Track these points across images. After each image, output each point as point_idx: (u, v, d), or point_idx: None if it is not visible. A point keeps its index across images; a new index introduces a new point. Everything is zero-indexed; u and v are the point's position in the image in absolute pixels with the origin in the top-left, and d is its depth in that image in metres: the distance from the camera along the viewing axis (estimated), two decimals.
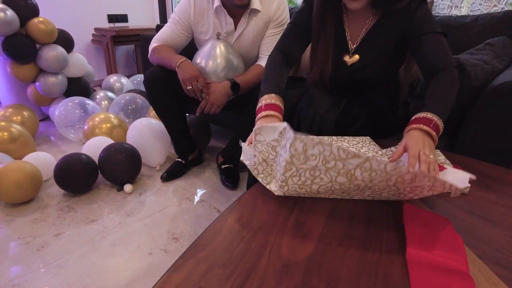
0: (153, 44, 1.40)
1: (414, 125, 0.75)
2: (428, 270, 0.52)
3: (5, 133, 1.59)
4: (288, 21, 1.37)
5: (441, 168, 0.78)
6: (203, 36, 1.40)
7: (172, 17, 1.40)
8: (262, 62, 1.36)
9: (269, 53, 1.11)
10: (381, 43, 0.97)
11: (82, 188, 1.41)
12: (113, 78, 2.56)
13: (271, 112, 0.84)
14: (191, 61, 1.33)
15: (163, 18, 3.38)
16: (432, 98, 0.80)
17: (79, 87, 2.13)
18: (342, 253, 0.55)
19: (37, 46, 1.93)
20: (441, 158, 0.87)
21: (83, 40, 3.04)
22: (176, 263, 0.52)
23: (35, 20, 1.87)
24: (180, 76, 1.23)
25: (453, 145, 1.05)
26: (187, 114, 1.59)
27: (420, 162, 0.66)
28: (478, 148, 0.99)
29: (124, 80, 2.57)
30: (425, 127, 0.73)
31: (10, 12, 1.75)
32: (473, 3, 7.80)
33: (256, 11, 1.33)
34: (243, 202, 0.71)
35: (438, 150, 0.90)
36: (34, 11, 1.91)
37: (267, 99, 0.86)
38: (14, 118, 1.85)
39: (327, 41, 0.99)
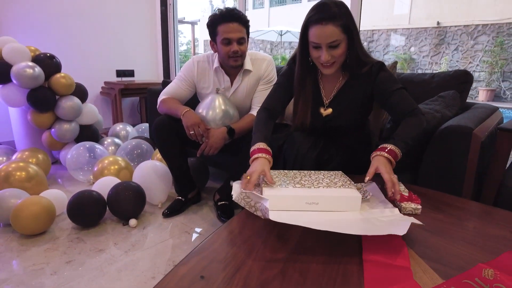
0: (161, 96, 1.65)
1: (382, 152, 0.98)
2: (377, 265, 0.68)
3: (23, 173, 1.76)
4: (275, 79, 1.64)
5: (403, 198, 0.96)
6: (204, 91, 1.66)
7: (178, 75, 1.67)
8: (254, 111, 1.60)
9: (259, 105, 1.37)
10: (350, 98, 1.21)
11: (92, 222, 1.55)
12: (119, 126, 2.80)
13: (261, 155, 1.03)
14: (195, 110, 1.57)
15: (167, 74, 3.73)
16: (398, 134, 1.02)
17: (89, 133, 2.35)
18: (313, 253, 0.71)
19: (57, 97, 2.18)
20: (402, 187, 1.05)
21: (93, 92, 3.33)
22: (182, 259, 0.68)
23: (58, 75, 2.15)
24: (185, 122, 1.45)
25: (415, 178, 1.24)
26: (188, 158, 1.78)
27: (394, 183, 0.91)
28: (434, 180, 1.18)
29: (129, 128, 2.81)
30: (388, 156, 0.97)
31: (37, 69, 2.03)
32: (451, 60, 8.51)
33: (248, 71, 1.60)
34: (235, 220, 0.88)
35: (400, 182, 1.08)
36: (58, 68, 2.19)
37: (258, 145, 1.07)
38: (30, 160, 2.03)
39: (306, 98, 1.23)
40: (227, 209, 1.66)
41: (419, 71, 9.45)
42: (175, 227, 1.58)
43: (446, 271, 0.68)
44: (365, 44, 10.31)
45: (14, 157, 2.05)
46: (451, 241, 0.79)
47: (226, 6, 1.55)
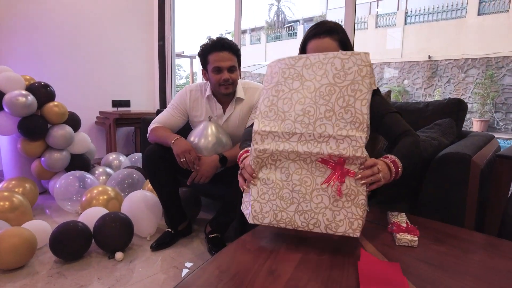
0: (152, 125, 1.62)
1: (383, 159, 0.90)
2: None
3: (7, 203, 1.69)
4: None
5: (399, 229, 0.91)
6: (197, 119, 1.64)
7: (171, 103, 1.66)
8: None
9: None
10: None
11: (75, 255, 1.46)
12: (112, 156, 2.75)
13: (246, 154, 0.98)
14: (187, 138, 1.54)
15: (163, 104, 3.75)
16: (396, 150, 0.96)
17: (80, 162, 2.30)
18: None
19: (49, 125, 2.15)
20: (403, 219, 1.00)
21: (88, 121, 3.32)
22: None
23: (51, 104, 2.13)
24: (175, 150, 1.42)
25: (414, 208, 1.19)
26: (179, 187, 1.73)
27: (368, 171, 0.80)
28: (434, 210, 1.13)
29: (122, 158, 2.76)
30: (389, 163, 0.88)
31: (30, 97, 2.02)
32: (444, 92, 8.71)
33: (240, 99, 1.60)
34: (224, 254, 0.81)
35: (403, 213, 1.03)
36: (51, 96, 2.18)
37: (246, 149, 1.01)
38: (16, 189, 1.96)
39: None
40: (218, 242, 1.58)
41: None
42: (164, 261, 1.49)
43: None
44: None
45: (0, 186, 1.98)
46: (456, 275, 0.73)
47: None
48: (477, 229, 1.13)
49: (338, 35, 1.06)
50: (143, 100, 3.76)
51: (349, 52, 0.83)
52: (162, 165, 1.53)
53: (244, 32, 16.80)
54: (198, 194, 1.97)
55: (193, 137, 1.53)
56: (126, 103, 3.60)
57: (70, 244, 1.43)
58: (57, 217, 2.01)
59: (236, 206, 1.28)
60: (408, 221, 0.98)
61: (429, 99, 9.31)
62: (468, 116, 8.59)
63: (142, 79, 3.74)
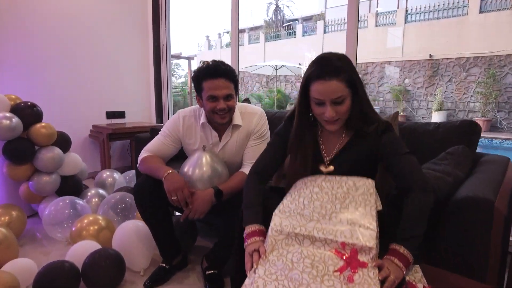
0: (143, 154, 1.51)
1: (394, 259, 0.87)
2: None
3: None
4: (267, 134, 1.53)
5: (412, 286, 0.81)
6: (191, 147, 1.53)
7: (162, 130, 1.55)
8: (245, 169, 1.46)
9: (251, 161, 1.31)
10: (354, 157, 1.09)
11: None
12: (105, 174, 2.64)
13: (255, 239, 0.99)
14: (180, 169, 1.43)
15: (159, 114, 3.64)
16: (406, 226, 0.94)
17: (71, 184, 2.19)
18: None
19: (36, 147, 2.04)
20: (418, 275, 0.90)
21: (81, 135, 3.21)
22: None
23: (38, 125, 2.02)
24: (166, 186, 1.31)
25: (427, 253, 1.08)
26: (173, 216, 1.62)
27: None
28: (452, 259, 1.02)
29: (116, 175, 2.65)
30: (400, 265, 0.86)
31: (15, 120, 1.90)
32: (445, 91, 8.56)
33: (238, 126, 1.48)
34: None
35: (417, 266, 0.93)
36: (38, 117, 2.07)
37: (251, 228, 1.02)
38: (2, 218, 1.85)
39: (306, 155, 1.11)
40: (216, 279, 1.48)
41: (415, 102, 9.53)
42: None
43: None
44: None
45: None
46: None
47: (213, 59, 1.44)
48: (500, 283, 1.03)
49: (345, 74, 0.96)
50: (138, 111, 3.65)
51: (358, 178, 1.02)
52: (153, 201, 1.42)
53: (242, 31, 16.64)
54: (194, 221, 1.86)
55: (187, 168, 1.42)
56: (121, 114, 3.50)
57: (56, 286, 1.32)
58: (48, 245, 1.91)
59: (235, 238, 1.21)
60: (424, 278, 0.88)
61: (430, 99, 9.20)
62: (470, 115, 8.48)
63: (137, 88, 3.62)
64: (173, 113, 3.71)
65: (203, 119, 1.47)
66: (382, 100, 10.22)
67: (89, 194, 2.24)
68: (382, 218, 1.17)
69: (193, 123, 1.52)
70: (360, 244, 0.82)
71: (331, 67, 0.96)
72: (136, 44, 3.55)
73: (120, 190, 2.28)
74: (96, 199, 2.23)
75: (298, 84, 12.46)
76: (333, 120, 1.00)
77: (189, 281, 1.56)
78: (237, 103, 1.50)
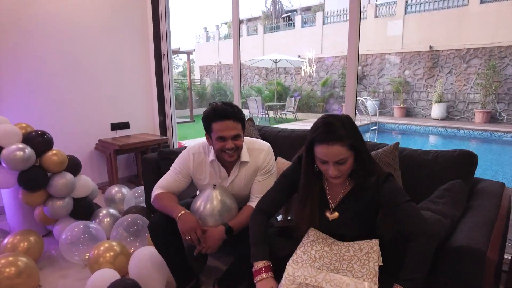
0: (156, 190, 1.59)
1: None
2: None
3: (12, 268, 1.68)
4: (274, 169, 1.60)
5: None
6: (201, 182, 1.61)
7: (173, 167, 1.62)
8: (252, 203, 1.54)
9: (258, 195, 1.43)
10: (357, 205, 1.17)
11: None
12: (114, 189, 2.73)
13: (264, 275, 1.09)
14: (192, 204, 1.51)
15: (163, 125, 3.70)
16: (409, 269, 1.01)
17: (83, 206, 2.28)
18: None
19: (49, 174, 2.12)
20: None
21: (87, 147, 3.29)
22: None
23: (50, 153, 2.09)
24: (180, 227, 1.39)
25: None
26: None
27: None
28: None
29: (124, 190, 2.74)
30: None
31: (28, 150, 1.97)
32: (445, 82, 8.54)
33: (245, 162, 1.56)
34: None
35: None
36: (49, 144, 2.14)
37: (260, 264, 1.12)
38: (21, 244, 1.94)
39: (313, 204, 1.19)
40: None
41: (415, 94, 9.54)
42: None
43: None
44: (359, 68, 10.44)
45: (5, 240, 1.96)
46: None
47: (222, 101, 1.51)
48: None
49: (348, 140, 1.03)
50: (142, 121, 3.71)
51: (363, 241, 1.13)
52: (166, 237, 1.52)
53: (240, 22, 16.46)
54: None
55: (198, 204, 1.50)
56: (125, 125, 3.56)
57: None
58: (66, 268, 2.01)
59: (247, 263, 1.29)
60: None
61: (430, 91, 9.22)
62: (470, 107, 8.51)
63: (140, 99, 3.68)
64: (176, 121, 3.77)
65: (212, 156, 1.55)
66: (382, 92, 10.23)
67: (101, 214, 2.34)
68: (387, 258, 1.27)
69: (203, 159, 1.59)
70: None
71: (335, 134, 1.03)
72: (137, 55, 3.58)
73: (130, 210, 2.37)
74: (108, 219, 2.32)
75: (298, 77, 12.43)
76: (336, 177, 1.08)
77: None
78: (244, 139, 1.57)
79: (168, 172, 1.64)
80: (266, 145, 1.63)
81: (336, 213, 1.20)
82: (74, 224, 2.06)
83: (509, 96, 7.90)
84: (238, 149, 1.50)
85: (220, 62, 15.71)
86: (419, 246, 1.02)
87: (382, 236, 1.30)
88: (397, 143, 1.70)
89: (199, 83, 15.65)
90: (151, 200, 1.60)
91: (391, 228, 1.29)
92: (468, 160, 1.56)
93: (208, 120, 1.46)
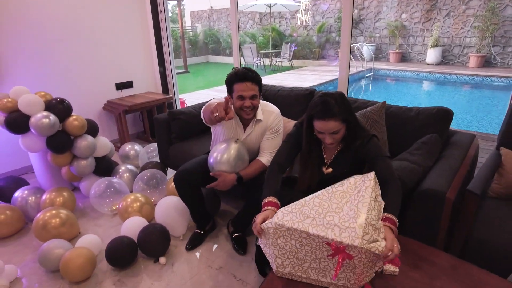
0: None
1: (387, 223, 1.17)
2: None
3: (57, 219, 1.99)
4: (281, 130, 1.85)
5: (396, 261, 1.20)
6: (218, 133, 1.88)
7: (213, 102, 1.81)
8: (262, 157, 1.81)
9: (267, 151, 1.74)
10: (346, 161, 1.43)
11: (127, 264, 1.81)
12: (127, 147, 2.98)
13: (268, 207, 1.31)
14: (210, 152, 1.80)
15: (164, 84, 3.83)
16: (390, 203, 1.23)
17: (105, 164, 2.54)
18: None
19: (72, 137, 2.34)
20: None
21: (96, 107, 3.47)
22: None
23: (71, 118, 2.29)
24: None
25: (399, 227, 1.48)
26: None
27: (392, 253, 1.08)
28: (415, 230, 1.43)
29: (137, 147, 2.99)
30: (393, 227, 1.17)
31: (52, 117, 2.17)
32: (442, 26, 8.48)
33: (259, 120, 1.80)
34: None
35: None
36: (69, 110, 2.33)
37: (267, 199, 1.34)
38: (58, 199, 2.24)
39: (313, 163, 1.44)
40: (241, 241, 1.93)
41: (411, 38, 9.43)
42: (199, 262, 1.85)
43: None
44: (355, 12, 10.14)
45: (44, 197, 2.25)
46: None
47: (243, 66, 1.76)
48: (446, 244, 1.45)
49: (341, 115, 1.25)
50: (144, 79, 3.82)
51: (360, 176, 1.23)
52: (191, 187, 1.84)
53: None
54: (218, 193, 2.27)
55: (216, 153, 1.75)
56: (129, 84, 3.70)
57: (122, 256, 1.77)
58: (97, 219, 2.34)
59: (257, 207, 1.62)
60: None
61: (427, 35, 9.11)
62: (465, 51, 8.52)
63: (141, 57, 3.76)
64: (176, 77, 3.89)
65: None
66: (378, 37, 10.08)
67: (120, 170, 2.61)
68: None
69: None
70: (346, 242, 1.02)
71: (330, 112, 1.25)
72: (135, 14, 3.58)
73: (146, 165, 2.65)
74: (127, 174, 2.61)
75: (293, 21, 12.04)
76: (331, 143, 1.33)
77: (220, 242, 2.01)
78: (260, 101, 1.79)
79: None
80: (276, 109, 1.86)
81: (330, 169, 1.46)
82: (100, 180, 2.35)
83: (505, 39, 7.88)
84: (255, 108, 1.74)
85: (211, 7, 14.98)
86: (391, 187, 1.27)
87: None
88: (384, 102, 1.92)
89: (191, 30, 15.10)
90: (201, 115, 1.82)
91: None
92: (445, 116, 1.80)
93: (231, 82, 1.70)
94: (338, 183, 1.23)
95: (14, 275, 1.77)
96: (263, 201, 1.35)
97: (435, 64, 8.83)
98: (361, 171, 1.50)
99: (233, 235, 1.96)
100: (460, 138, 1.86)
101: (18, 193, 2.29)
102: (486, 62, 8.18)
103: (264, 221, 1.21)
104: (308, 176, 1.44)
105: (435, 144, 1.67)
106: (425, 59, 9.18)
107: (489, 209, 1.51)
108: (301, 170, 1.47)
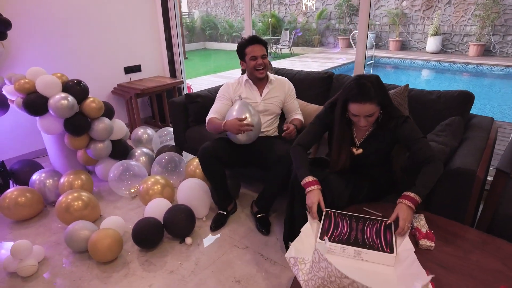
0: (209, 116, 1.99)
1: (405, 201, 1.24)
2: None
3: (79, 202, 2.00)
4: (295, 92, 2.07)
5: (421, 235, 1.24)
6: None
7: (218, 97, 2.05)
8: (297, 115, 2.07)
9: (295, 112, 2.03)
10: (377, 143, 1.45)
11: (155, 245, 1.83)
12: (140, 131, 2.97)
13: (314, 187, 1.36)
14: (228, 112, 1.88)
15: (172, 68, 3.79)
16: (420, 182, 1.28)
17: (121, 147, 2.54)
18: None
19: (89, 119, 2.32)
20: (422, 222, 1.33)
21: (105, 91, 3.43)
22: None
23: (88, 100, 2.27)
24: (230, 129, 1.77)
25: (428, 204, 1.53)
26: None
27: (404, 232, 1.17)
28: (443, 208, 1.47)
29: (149, 131, 2.98)
30: (410, 204, 1.23)
31: (71, 99, 2.15)
32: (443, 14, 8.46)
33: (272, 81, 2.04)
34: None
35: (422, 215, 1.36)
36: (86, 92, 2.30)
37: (307, 179, 1.39)
38: (76, 182, 2.24)
39: (346, 145, 1.46)
40: (265, 222, 1.97)
41: (411, 26, 9.42)
42: (224, 241, 1.88)
43: None
44: None
45: (62, 180, 2.25)
46: (460, 276, 1.09)
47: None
48: (473, 222, 1.49)
49: (377, 99, 1.28)
50: (152, 63, 3.78)
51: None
52: (215, 163, 1.89)
53: None
54: (237, 176, 2.29)
55: (235, 112, 1.82)
56: (138, 68, 3.66)
57: (150, 237, 1.79)
58: (116, 201, 2.35)
59: (276, 188, 1.82)
60: (426, 224, 1.32)
61: (427, 23, 9.10)
62: (465, 39, 8.55)
63: (149, 41, 3.70)
64: (187, 58, 3.84)
65: (245, 77, 2.02)
66: (378, 24, 10.04)
67: (136, 154, 2.61)
68: (396, 172, 1.59)
69: (237, 86, 2.05)
70: None
71: (367, 95, 1.26)
72: None
73: (163, 149, 2.65)
74: (144, 158, 2.61)
75: (293, 7, 11.91)
76: (365, 126, 1.35)
77: (242, 222, 2.05)
78: (268, 74, 2.03)
79: (214, 103, 2.04)
80: (286, 79, 2.12)
81: (361, 149, 1.49)
82: (119, 164, 2.34)
83: (505, 27, 7.92)
84: (266, 66, 1.95)
85: None
86: (432, 167, 1.31)
87: (394, 165, 1.62)
88: (407, 85, 1.94)
89: (187, 16, 14.87)
90: (206, 124, 1.96)
91: (402, 160, 1.61)
92: (466, 99, 1.83)
93: (243, 47, 1.93)
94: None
95: (42, 255, 1.78)
96: (303, 182, 1.38)
97: (435, 53, 8.86)
98: (391, 151, 1.53)
99: (257, 216, 2.00)
100: (480, 121, 1.89)
101: (35, 176, 2.28)
102: (486, 51, 8.23)
103: (318, 203, 1.30)
104: (343, 158, 1.46)
105: (459, 126, 1.70)
106: (425, 47, 9.19)
107: None
108: (334, 152, 1.49)
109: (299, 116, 2.07)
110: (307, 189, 1.35)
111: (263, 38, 1.99)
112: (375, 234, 1.22)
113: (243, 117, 1.77)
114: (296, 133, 1.84)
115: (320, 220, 1.30)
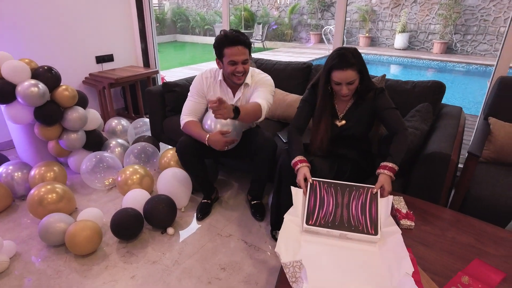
0: (184, 119, 1.82)
1: (384, 171, 1.34)
2: None
3: (54, 195, 1.90)
4: (269, 79, 1.82)
5: (401, 216, 1.31)
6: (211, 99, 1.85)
7: (190, 93, 1.86)
8: (258, 100, 1.69)
9: (260, 100, 1.69)
10: (358, 113, 1.53)
11: (134, 235, 1.78)
12: (114, 122, 2.86)
13: (302, 164, 1.41)
14: (203, 121, 1.80)
15: (145, 55, 3.68)
16: (393, 151, 1.38)
17: (95, 138, 2.44)
18: None
19: (62, 109, 2.21)
20: (402, 203, 1.40)
21: (76, 81, 3.27)
22: None
23: (60, 88, 2.15)
24: (214, 146, 1.67)
25: (406, 188, 1.60)
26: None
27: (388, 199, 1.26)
28: (420, 190, 1.55)
29: (123, 122, 2.88)
30: (390, 174, 1.33)
31: (41, 86, 2.03)
32: (410, 12, 8.88)
33: (247, 85, 1.80)
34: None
35: (401, 197, 1.43)
36: (58, 80, 2.18)
37: (297, 158, 1.44)
38: (48, 174, 2.13)
39: (327, 117, 1.51)
40: (260, 208, 2.00)
41: (380, 23, 9.75)
42: (207, 231, 1.87)
43: (439, 280, 1.06)
44: None
45: (32, 172, 2.12)
46: (438, 252, 1.16)
47: (231, 29, 1.71)
48: (446, 201, 1.59)
49: (356, 66, 1.37)
50: (125, 52, 3.65)
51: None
52: (194, 156, 1.84)
53: None
54: (216, 164, 2.28)
55: (209, 121, 1.76)
56: (110, 58, 3.52)
57: (129, 227, 1.73)
58: (91, 194, 2.25)
59: (264, 173, 1.85)
60: (406, 206, 1.39)
61: (395, 20, 9.47)
62: (430, 37, 8.98)
63: (121, 29, 3.56)
64: (158, 50, 3.75)
65: (220, 77, 1.79)
66: (349, 20, 10.29)
67: (111, 145, 2.52)
68: (374, 155, 1.66)
69: (212, 81, 1.83)
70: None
71: (348, 62, 1.35)
72: None
73: (139, 139, 2.57)
74: (119, 149, 2.52)
75: (266, 1, 11.92)
76: (347, 95, 1.43)
77: (224, 211, 2.04)
78: (250, 68, 1.79)
79: (187, 100, 1.87)
80: (267, 76, 1.83)
81: (344, 121, 1.55)
82: (92, 155, 2.25)
83: (465, 27, 8.40)
84: (246, 72, 1.72)
85: None
86: (401, 136, 1.41)
87: (372, 141, 1.69)
88: (384, 75, 2.01)
89: (158, 7, 14.44)
90: (181, 127, 1.84)
91: (380, 135, 1.70)
92: (438, 88, 1.94)
93: (221, 45, 1.63)
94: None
95: (13, 251, 1.68)
96: (293, 161, 1.43)
97: (402, 49, 9.24)
98: (372, 123, 1.60)
99: (252, 202, 2.03)
100: (451, 110, 2.01)
101: (2, 169, 2.14)
102: (448, 49, 8.70)
103: (304, 178, 1.34)
104: (323, 128, 1.51)
105: (427, 111, 1.80)
106: (393, 43, 9.56)
107: (482, 171, 1.67)
108: (314, 124, 1.54)
109: (259, 100, 1.69)
110: (295, 169, 1.41)
111: (245, 38, 1.65)
112: (360, 210, 1.25)
113: (225, 129, 1.69)
114: (234, 115, 1.49)
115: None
